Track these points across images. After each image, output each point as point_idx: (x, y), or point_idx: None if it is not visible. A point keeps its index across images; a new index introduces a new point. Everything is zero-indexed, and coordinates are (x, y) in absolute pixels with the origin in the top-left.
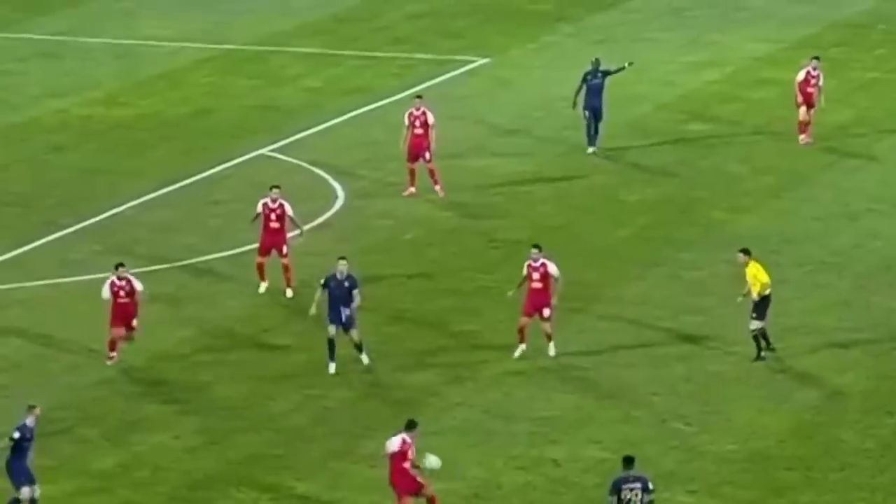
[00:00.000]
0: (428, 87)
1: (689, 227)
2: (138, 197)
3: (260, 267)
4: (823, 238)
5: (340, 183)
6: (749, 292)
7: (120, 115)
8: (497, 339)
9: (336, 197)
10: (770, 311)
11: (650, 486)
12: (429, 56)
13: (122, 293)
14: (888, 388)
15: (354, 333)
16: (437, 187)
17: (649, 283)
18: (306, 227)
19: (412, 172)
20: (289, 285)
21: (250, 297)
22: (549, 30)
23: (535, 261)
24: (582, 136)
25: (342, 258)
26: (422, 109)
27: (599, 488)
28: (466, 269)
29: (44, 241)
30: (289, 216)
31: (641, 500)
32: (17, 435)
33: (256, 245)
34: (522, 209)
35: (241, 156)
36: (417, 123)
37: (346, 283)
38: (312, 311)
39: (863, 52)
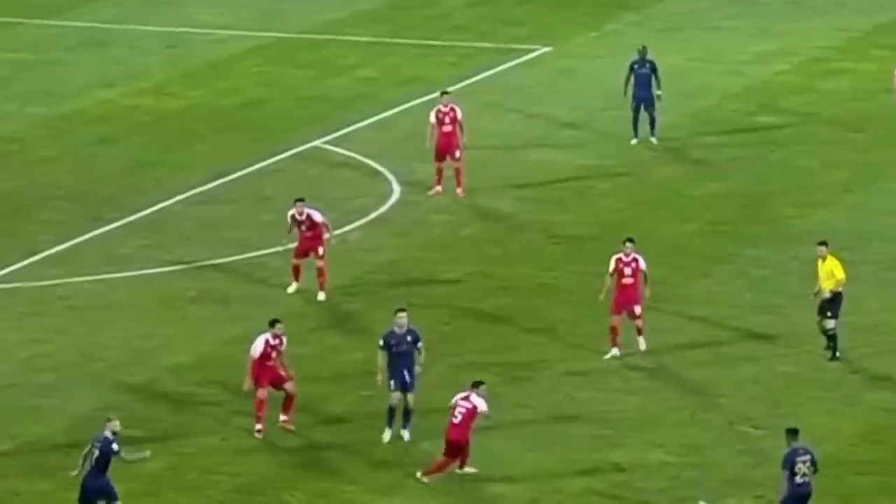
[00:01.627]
0: (487, 77)
1: (757, 223)
2: (187, 190)
3: (295, 269)
4: None
5: (396, 176)
6: (820, 290)
7: (168, 105)
8: (558, 338)
9: (391, 191)
10: (842, 310)
11: (815, 458)
12: (489, 45)
13: (273, 354)
14: None
15: (411, 398)
16: (459, 189)
17: (716, 280)
18: (362, 221)
19: (440, 171)
20: (321, 288)
21: (302, 295)
22: (613, 18)
23: (627, 255)
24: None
25: (401, 310)
26: (450, 106)
27: (663, 494)
28: (526, 265)
29: (90, 235)
30: (321, 223)
31: (812, 474)
32: (115, 447)
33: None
34: (585, 204)
35: (293, 148)
36: (447, 120)
37: (409, 338)
38: (378, 378)
39: None
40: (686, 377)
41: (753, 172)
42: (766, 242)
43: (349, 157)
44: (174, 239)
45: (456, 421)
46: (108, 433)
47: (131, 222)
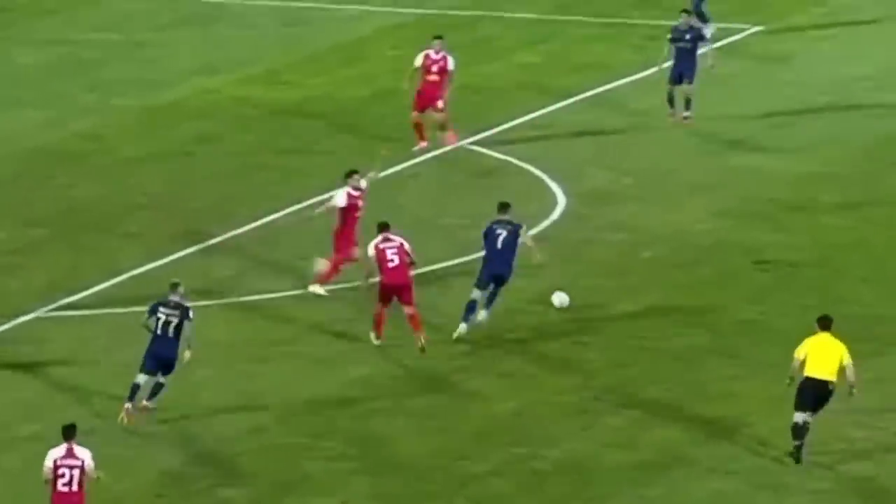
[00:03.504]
0: None
1: None
2: (303, 200)
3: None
4: None
5: (561, 185)
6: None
7: (283, 97)
8: (764, 388)
9: (555, 203)
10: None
11: None
12: None
13: (358, 205)
14: None
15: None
16: (448, 136)
17: None
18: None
19: (419, 126)
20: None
21: (441, 331)
22: None
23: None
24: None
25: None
26: (442, 53)
27: None
28: (725, 297)
29: (184, 253)
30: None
31: None
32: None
33: (447, 264)
34: (802, 221)
35: (434, 149)
36: (435, 69)
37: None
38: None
39: None
40: None
41: None
42: None
43: (503, 160)
44: (286, 259)
45: (392, 265)
46: (179, 298)
47: (234, 238)
